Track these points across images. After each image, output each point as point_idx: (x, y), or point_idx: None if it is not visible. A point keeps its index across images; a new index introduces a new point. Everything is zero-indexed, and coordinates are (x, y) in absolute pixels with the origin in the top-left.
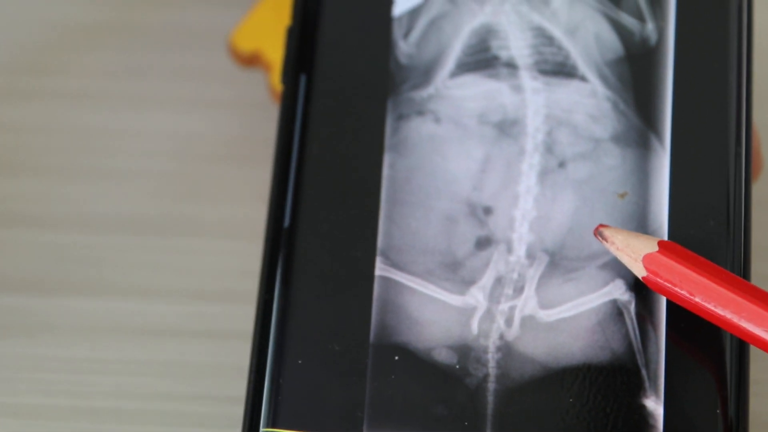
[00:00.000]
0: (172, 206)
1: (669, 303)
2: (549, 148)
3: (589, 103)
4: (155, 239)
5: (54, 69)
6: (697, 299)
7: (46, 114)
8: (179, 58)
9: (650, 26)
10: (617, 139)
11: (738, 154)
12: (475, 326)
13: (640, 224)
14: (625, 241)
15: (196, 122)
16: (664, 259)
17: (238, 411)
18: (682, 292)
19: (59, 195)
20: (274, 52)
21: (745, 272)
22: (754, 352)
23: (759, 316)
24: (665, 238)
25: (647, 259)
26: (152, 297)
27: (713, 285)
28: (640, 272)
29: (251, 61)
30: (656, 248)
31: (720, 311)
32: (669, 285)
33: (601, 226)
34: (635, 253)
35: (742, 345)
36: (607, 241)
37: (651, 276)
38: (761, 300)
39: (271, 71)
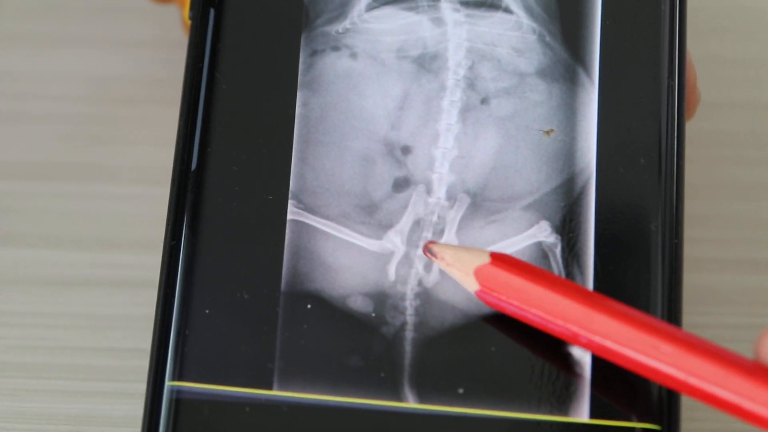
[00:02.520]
0: (85, 151)
1: (597, 244)
2: (471, 83)
3: (514, 35)
4: (65, 185)
5: None
6: (533, 311)
7: None
8: None
9: None
10: (543, 73)
11: (671, 88)
12: (392, 272)
13: (567, 162)
14: (455, 256)
15: (112, 63)
16: (497, 271)
17: (147, 364)
18: (518, 304)
19: None
20: None
21: (677, 211)
22: (687, 294)
23: (601, 324)
24: (593, 177)
25: (479, 273)
26: (61, 246)
27: (551, 294)
28: (472, 287)
29: None
30: (488, 260)
31: (559, 322)
32: (504, 298)
33: (430, 243)
34: (466, 267)
35: (673, 289)
36: (436, 258)
37: (484, 289)
38: (603, 307)
39: (184, 6)
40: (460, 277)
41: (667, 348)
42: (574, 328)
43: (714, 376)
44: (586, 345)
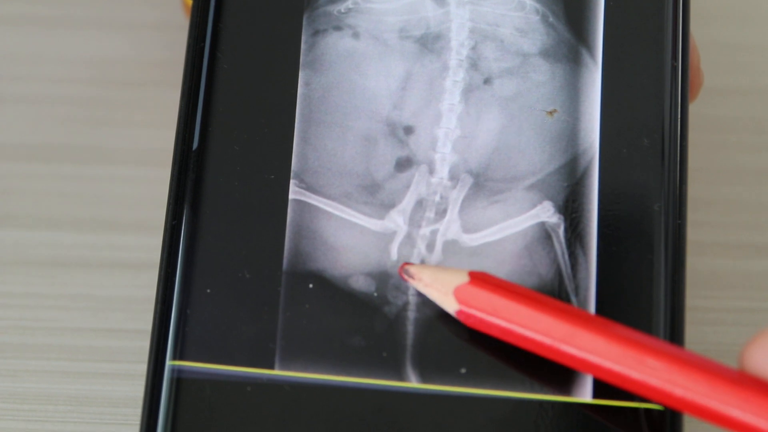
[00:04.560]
0: (85, 133)
1: (600, 225)
2: (474, 63)
3: (517, 15)
4: (65, 167)
5: None
6: (515, 329)
7: None
8: None
9: None
10: (546, 53)
11: (674, 69)
12: (394, 252)
13: (570, 143)
14: (433, 276)
15: (113, 45)
16: (477, 291)
17: (148, 345)
18: (500, 322)
19: None
20: None
21: (680, 193)
22: (689, 278)
23: (585, 340)
24: (596, 157)
25: (458, 292)
26: (61, 227)
27: (532, 312)
28: (452, 307)
29: None
30: (467, 279)
31: (541, 338)
32: (485, 316)
33: (406, 264)
34: (445, 287)
35: (676, 270)
36: (414, 279)
37: (464, 309)
38: (585, 323)
39: None
40: (440, 297)
41: (652, 362)
42: (558, 345)
43: (701, 388)
44: (570, 361)
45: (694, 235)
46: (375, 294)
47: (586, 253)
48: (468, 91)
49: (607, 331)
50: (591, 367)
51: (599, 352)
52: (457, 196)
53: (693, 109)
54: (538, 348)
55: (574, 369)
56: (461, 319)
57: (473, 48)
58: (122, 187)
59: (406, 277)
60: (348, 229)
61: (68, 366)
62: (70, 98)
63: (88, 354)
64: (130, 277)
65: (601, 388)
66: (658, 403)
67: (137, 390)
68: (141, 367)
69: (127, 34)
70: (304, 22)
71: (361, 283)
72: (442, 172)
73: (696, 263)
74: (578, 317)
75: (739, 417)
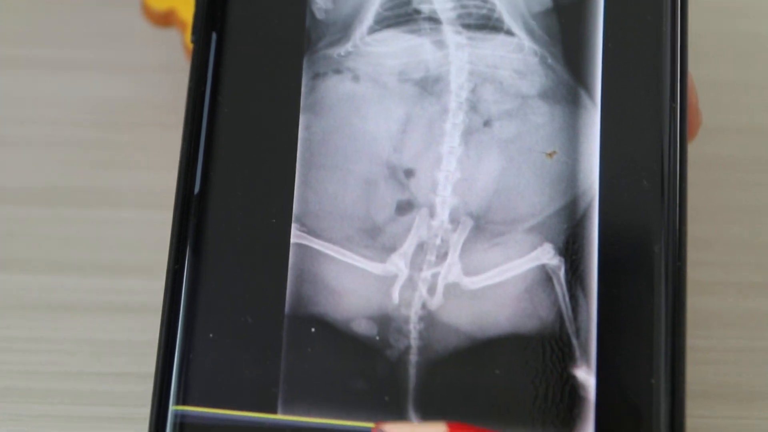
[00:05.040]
0: (87, 176)
1: (601, 266)
2: (473, 106)
3: (516, 58)
4: (68, 210)
5: None
6: None
7: None
8: (94, 19)
9: None
10: (545, 95)
11: (673, 110)
12: (396, 295)
13: (570, 184)
14: None
15: (114, 87)
16: None
17: (151, 389)
18: None
19: None
20: (188, 10)
21: (680, 234)
22: (690, 317)
23: None
24: (596, 199)
25: None
26: (64, 271)
27: None
28: None
29: (166, 20)
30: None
31: None
32: None
33: (380, 423)
34: None
35: (676, 311)
36: None
37: None
38: None
39: (186, 30)
40: None
41: None
42: None
43: None
44: None
45: (694, 274)
46: (377, 337)
47: (586, 295)
48: (468, 133)
49: None
50: None
51: None
52: (457, 239)
53: (692, 148)
54: None
55: None
56: None
57: (473, 90)
58: (125, 230)
59: None
60: (349, 272)
61: (72, 410)
62: (72, 141)
63: (91, 398)
64: (133, 321)
65: (603, 429)
66: None
67: None
68: (144, 411)
69: (130, 76)
70: (305, 66)
71: (363, 327)
72: (443, 215)
73: (696, 303)
74: None
75: None
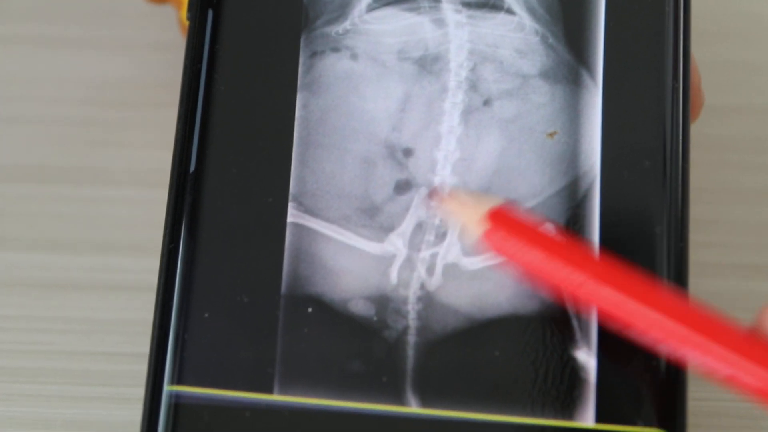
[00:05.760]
0: (81, 154)
1: (602, 248)
2: (473, 85)
3: (516, 37)
4: (62, 188)
5: None
6: (544, 257)
7: None
8: None
9: None
10: (546, 74)
11: (675, 90)
12: (394, 275)
13: (570, 165)
14: (463, 199)
15: (109, 65)
16: (508, 214)
17: (145, 369)
18: (528, 248)
19: None
20: None
21: (682, 215)
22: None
23: (612, 280)
24: (597, 180)
25: (491, 215)
26: (57, 249)
27: (564, 241)
28: (480, 230)
29: None
30: (500, 202)
31: (568, 271)
32: (513, 240)
33: (435, 188)
34: (475, 210)
35: (679, 287)
36: (442, 202)
37: (493, 232)
38: (617, 270)
39: (181, 7)
40: (468, 220)
41: (670, 324)
42: (582, 280)
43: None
44: (587, 298)
45: (696, 255)
46: (375, 318)
47: None
48: (467, 112)
49: (635, 286)
50: (609, 313)
51: (622, 302)
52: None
53: (694, 128)
54: (559, 280)
55: (593, 308)
56: (489, 241)
57: (472, 69)
58: (119, 209)
59: (433, 202)
60: (347, 252)
61: (64, 390)
62: (66, 119)
63: (84, 378)
64: (126, 300)
65: (604, 412)
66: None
67: (134, 414)
68: (138, 391)
69: (125, 54)
70: (302, 44)
71: (360, 307)
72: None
73: (698, 284)
74: (611, 263)
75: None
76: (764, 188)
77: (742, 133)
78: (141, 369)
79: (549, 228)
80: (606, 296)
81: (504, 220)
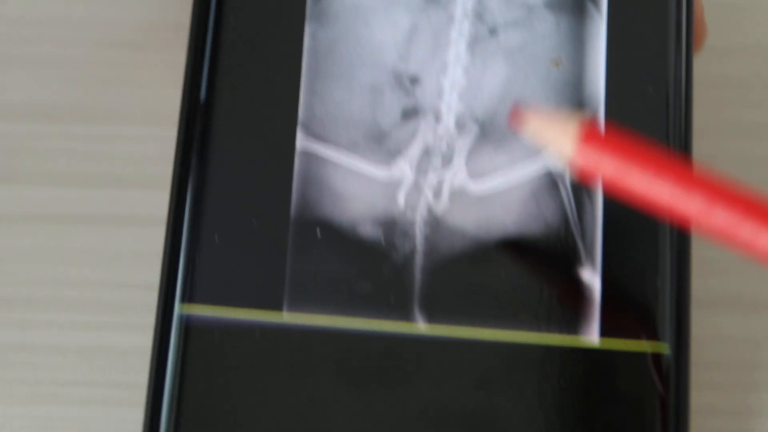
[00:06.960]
0: (93, 94)
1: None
2: (479, 14)
3: None
4: (74, 127)
5: None
6: (642, 167)
7: None
8: None
9: None
10: (551, 4)
11: (679, 20)
12: (401, 199)
13: (575, 92)
14: (550, 118)
15: (122, 6)
16: (598, 128)
17: (156, 299)
18: (623, 159)
19: None
20: None
21: (686, 143)
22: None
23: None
24: (601, 107)
25: (582, 128)
26: (69, 184)
27: (657, 151)
28: (571, 146)
29: None
30: (590, 118)
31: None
32: (607, 154)
33: (517, 107)
34: (564, 127)
35: None
36: (527, 124)
37: (586, 146)
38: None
39: None
40: (557, 139)
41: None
42: (694, 201)
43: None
44: (698, 218)
45: None
46: (382, 241)
47: (591, 200)
48: (473, 42)
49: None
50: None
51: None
52: (463, 144)
53: (698, 68)
54: (671, 201)
55: (699, 226)
56: (582, 156)
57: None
58: (131, 146)
59: (516, 123)
60: (355, 177)
61: (76, 318)
62: (77, 59)
63: (96, 307)
64: (139, 233)
65: (608, 330)
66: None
67: (146, 340)
68: (150, 319)
69: None
70: None
71: (368, 231)
72: (448, 120)
73: None
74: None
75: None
76: (765, 123)
77: (746, 73)
78: (153, 298)
79: (645, 145)
80: (718, 216)
81: (597, 137)
